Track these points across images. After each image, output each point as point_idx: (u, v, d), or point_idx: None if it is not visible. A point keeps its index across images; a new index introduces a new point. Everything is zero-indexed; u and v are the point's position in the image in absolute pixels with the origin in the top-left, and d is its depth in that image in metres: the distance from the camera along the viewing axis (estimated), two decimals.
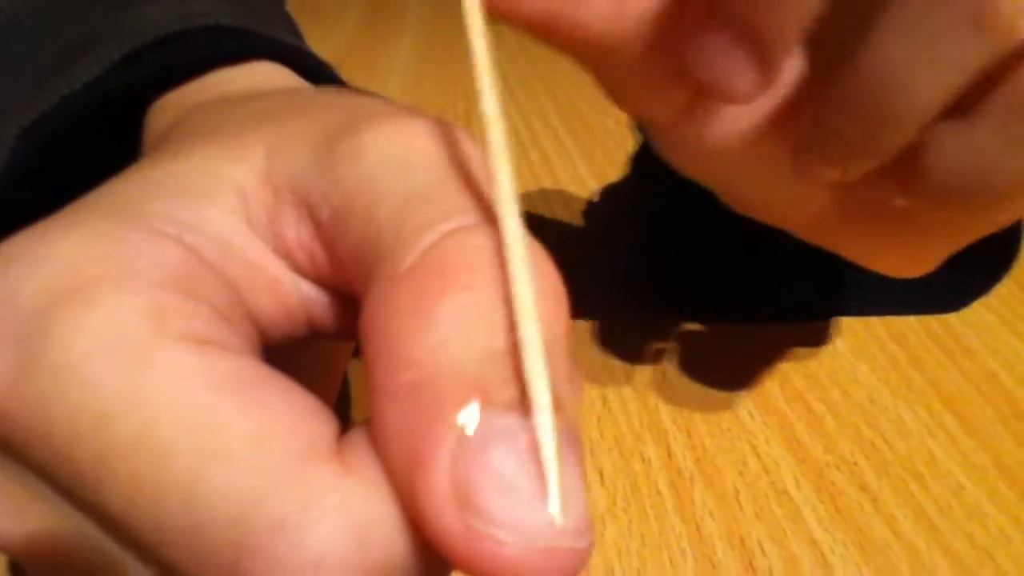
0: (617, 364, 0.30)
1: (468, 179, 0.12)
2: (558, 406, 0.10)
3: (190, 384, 0.10)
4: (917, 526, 0.24)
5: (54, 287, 0.10)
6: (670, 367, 0.30)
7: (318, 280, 0.14)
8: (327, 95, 0.17)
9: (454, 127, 0.13)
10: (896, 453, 0.26)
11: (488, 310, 0.10)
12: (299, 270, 0.13)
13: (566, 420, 0.10)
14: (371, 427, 0.10)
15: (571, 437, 0.10)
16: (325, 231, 0.13)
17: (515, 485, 0.09)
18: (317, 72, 0.20)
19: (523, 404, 0.10)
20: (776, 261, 0.31)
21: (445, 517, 0.09)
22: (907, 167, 0.16)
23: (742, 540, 0.23)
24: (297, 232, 0.13)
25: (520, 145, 0.49)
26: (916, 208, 0.17)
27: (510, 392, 0.10)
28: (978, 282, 0.32)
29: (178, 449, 0.09)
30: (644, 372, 0.30)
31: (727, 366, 0.30)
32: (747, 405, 0.28)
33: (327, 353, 0.19)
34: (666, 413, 0.28)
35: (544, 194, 0.43)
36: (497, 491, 0.09)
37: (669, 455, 0.26)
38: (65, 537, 0.11)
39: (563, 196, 0.42)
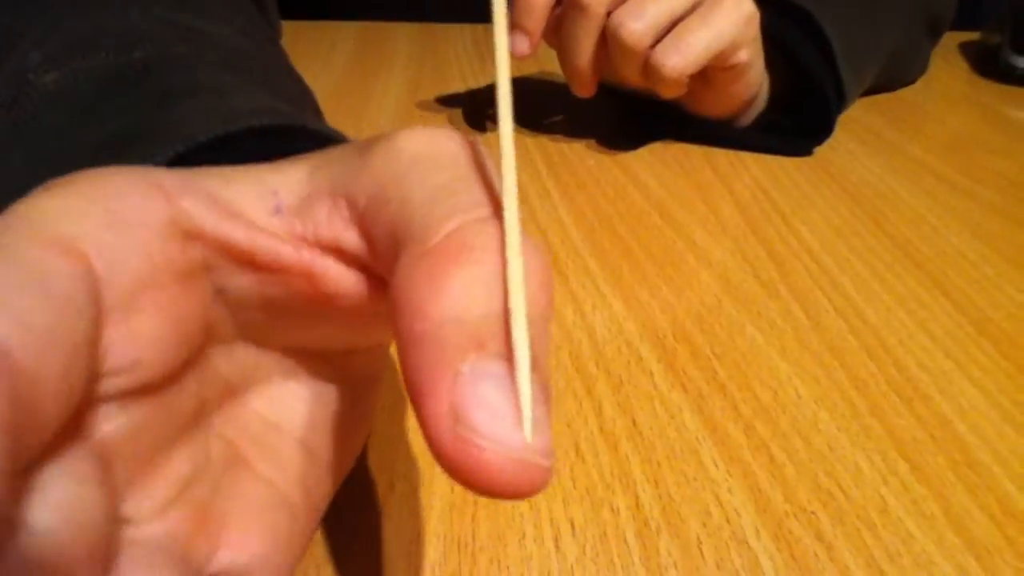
0: (591, 413, 0.32)
1: (484, 179, 0.16)
2: (534, 363, 0.13)
3: None
4: (867, 574, 0.25)
5: None
6: (640, 415, 0.32)
7: (334, 252, 0.17)
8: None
9: (472, 138, 0.17)
10: (852, 501, 0.28)
11: (489, 282, 0.13)
12: (320, 244, 0.17)
13: (540, 375, 0.13)
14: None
15: (542, 387, 0.13)
16: (361, 215, 0.16)
17: (497, 409, 0.12)
18: None
19: (509, 356, 0.13)
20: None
21: (442, 429, 0.12)
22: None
23: None
24: (329, 218, 0.16)
25: None
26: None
27: (499, 345, 0.13)
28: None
29: None
30: (616, 421, 0.31)
31: (695, 411, 0.32)
32: (712, 454, 0.30)
33: (356, 399, 0.22)
34: (636, 462, 0.29)
35: None
36: (482, 412, 0.12)
37: (637, 505, 0.28)
38: None
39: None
